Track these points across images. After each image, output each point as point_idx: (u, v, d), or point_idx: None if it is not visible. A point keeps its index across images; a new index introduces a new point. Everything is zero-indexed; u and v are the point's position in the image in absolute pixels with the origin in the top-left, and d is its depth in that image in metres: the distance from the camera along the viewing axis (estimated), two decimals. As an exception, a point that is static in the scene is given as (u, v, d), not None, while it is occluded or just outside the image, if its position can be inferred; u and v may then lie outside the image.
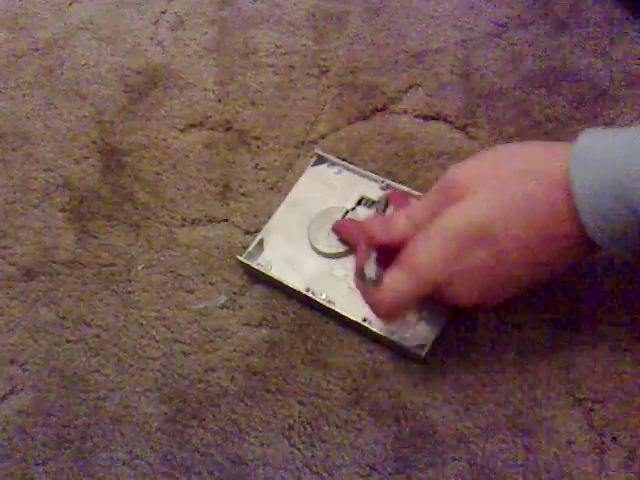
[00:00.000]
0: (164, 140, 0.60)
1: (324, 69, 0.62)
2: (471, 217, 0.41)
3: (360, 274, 0.45)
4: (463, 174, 0.43)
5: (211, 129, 0.60)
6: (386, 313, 0.45)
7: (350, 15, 0.65)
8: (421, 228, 0.44)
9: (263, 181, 0.57)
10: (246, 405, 0.49)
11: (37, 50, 0.67)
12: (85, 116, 0.62)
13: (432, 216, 0.43)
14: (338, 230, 0.52)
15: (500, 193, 0.41)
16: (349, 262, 0.51)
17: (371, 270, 0.45)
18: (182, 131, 0.60)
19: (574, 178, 0.39)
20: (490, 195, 0.41)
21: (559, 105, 0.57)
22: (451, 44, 0.62)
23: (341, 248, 0.52)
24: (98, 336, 0.52)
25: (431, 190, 0.45)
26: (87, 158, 0.60)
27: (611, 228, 0.39)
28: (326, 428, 0.47)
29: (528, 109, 0.57)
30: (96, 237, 0.56)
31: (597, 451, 0.44)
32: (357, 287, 0.47)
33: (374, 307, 0.45)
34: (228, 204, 0.56)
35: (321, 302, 0.50)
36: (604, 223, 0.39)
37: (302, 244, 0.52)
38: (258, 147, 0.59)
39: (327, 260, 0.52)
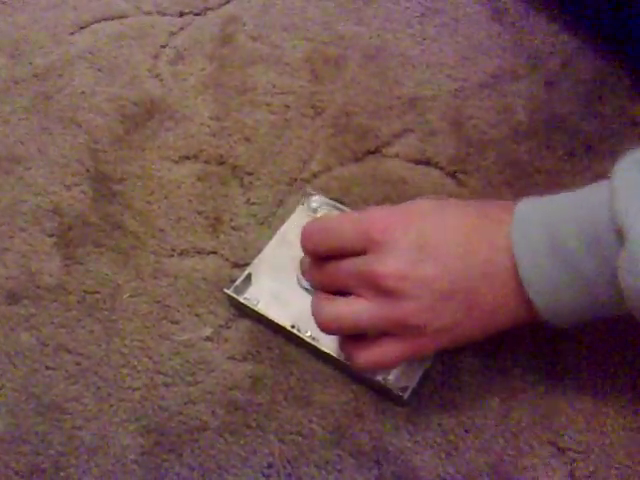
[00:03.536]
0: (157, 171, 0.60)
1: (319, 110, 0.63)
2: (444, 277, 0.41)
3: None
4: (383, 224, 0.42)
5: (205, 162, 0.61)
6: (366, 368, 0.45)
7: (347, 60, 0.66)
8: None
9: (254, 216, 0.57)
10: (226, 441, 0.48)
11: (35, 76, 0.68)
12: (79, 143, 0.63)
13: (342, 244, 0.44)
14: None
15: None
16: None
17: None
18: (176, 163, 0.61)
19: (515, 246, 0.39)
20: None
21: (549, 157, 0.58)
22: (444, 92, 0.63)
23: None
24: (78, 364, 0.51)
25: (352, 220, 0.44)
26: (78, 185, 0.60)
27: (550, 285, 0.39)
28: (305, 468, 0.46)
29: (518, 160, 0.58)
30: (82, 264, 0.56)
31: (578, 502, 0.44)
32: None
33: (354, 359, 0.44)
34: (218, 237, 0.56)
35: (306, 339, 0.50)
36: (543, 281, 0.39)
37: (290, 280, 0.53)
38: (250, 182, 0.59)
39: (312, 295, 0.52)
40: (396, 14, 0.68)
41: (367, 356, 0.44)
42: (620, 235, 0.36)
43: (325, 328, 0.45)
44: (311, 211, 0.55)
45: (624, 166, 0.38)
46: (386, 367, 0.47)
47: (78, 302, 0.54)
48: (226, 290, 0.52)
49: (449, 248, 0.41)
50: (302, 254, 0.52)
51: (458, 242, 0.41)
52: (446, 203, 0.45)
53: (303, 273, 0.50)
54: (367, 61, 0.66)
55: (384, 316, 0.42)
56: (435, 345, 0.43)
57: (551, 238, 0.39)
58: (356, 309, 0.43)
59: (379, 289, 0.41)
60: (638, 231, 0.35)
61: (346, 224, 0.44)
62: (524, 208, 0.41)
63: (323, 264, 0.45)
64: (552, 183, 0.57)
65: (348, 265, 0.43)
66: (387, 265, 0.41)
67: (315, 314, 0.45)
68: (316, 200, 0.56)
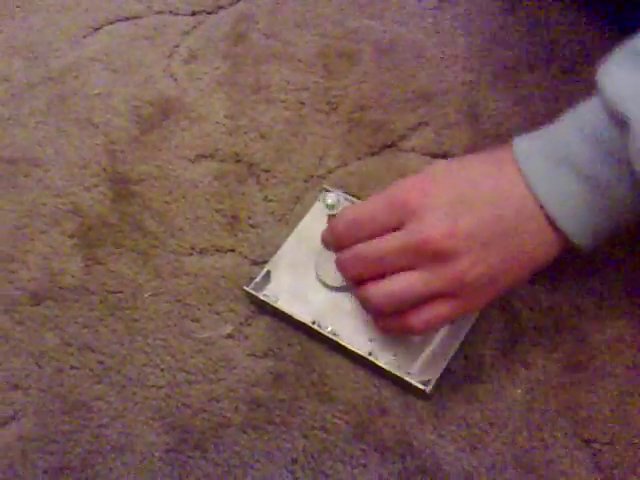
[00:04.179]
0: (174, 170, 0.61)
1: (334, 106, 0.63)
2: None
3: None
4: (416, 191, 0.43)
5: (221, 161, 0.61)
6: (423, 331, 0.44)
7: (360, 54, 0.66)
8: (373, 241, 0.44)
9: (271, 213, 0.57)
10: (249, 437, 0.48)
11: (51, 79, 0.68)
12: (97, 145, 0.63)
13: (381, 227, 0.43)
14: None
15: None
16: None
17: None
18: (192, 162, 0.61)
19: (529, 179, 0.41)
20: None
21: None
22: (459, 85, 0.63)
23: (346, 282, 0.52)
24: (102, 363, 0.52)
25: (379, 200, 0.44)
26: (97, 186, 0.60)
27: (568, 202, 0.41)
28: (330, 463, 0.47)
29: (535, 150, 0.58)
30: (103, 264, 0.56)
31: (604, 493, 0.44)
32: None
33: (411, 324, 0.44)
34: (236, 235, 0.57)
35: (327, 335, 0.50)
36: (564, 201, 0.41)
37: (309, 276, 0.53)
38: (267, 179, 0.59)
39: (334, 293, 0.52)
40: (409, 7, 0.68)
41: (423, 319, 0.43)
42: (621, 124, 0.38)
43: (381, 310, 0.44)
44: (328, 208, 0.55)
45: (614, 62, 0.40)
46: (441, 326, 0.48)
47: (100, 302, 0.54)
48: (245, 287, 0.52)
49: (480, 199, 0.42)
50: (321, 249, 0.52)
51: (485, 192, 0.42)
52: (460, 161, 0.45)
53: (341, 271, 0.47)
54: (380, 55, 0.65)
55: (441, 279, 0.42)
56: (487, 298, 0.44)
57: (557, 158, 0.41)
58: (411, 281, 0.42)
59: (432, 254, 0.41)
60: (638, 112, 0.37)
61: (377, 205, 0.44)
62: (521, 143, 0.43)
63: (360, 253, 0.44)
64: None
65: (391, 242, 0.43)
66: (433, 228, 0.41)
67: (368, 299, 0.45)
68: (332, 197, 0.55)
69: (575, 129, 0.41)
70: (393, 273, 0.43)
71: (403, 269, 0.43)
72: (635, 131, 0.37)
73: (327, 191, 0.56)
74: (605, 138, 0.39)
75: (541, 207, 0.41)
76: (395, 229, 0.43)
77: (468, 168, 0.44)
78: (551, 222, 0.41)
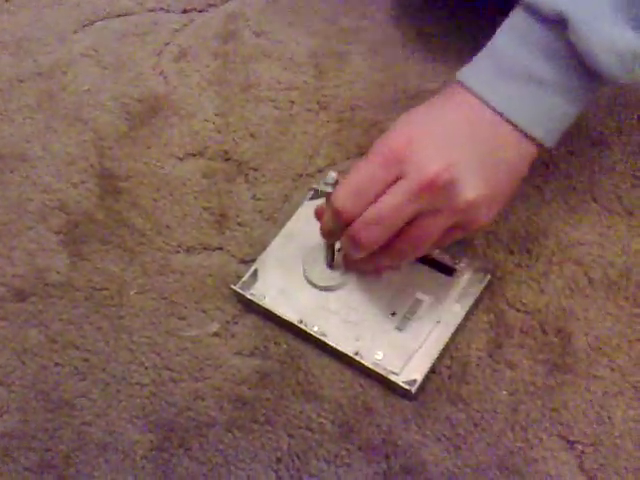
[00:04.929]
0: (162, 168, 0.61)
1: (324, 105, 0.63)
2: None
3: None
4: (400, 141, 0.44)
5: (210, 159, 0.61)
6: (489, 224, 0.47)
7: (351, 54, 0.66)
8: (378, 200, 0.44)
9: (260, 212, 0.57)
10: (234, 436, 0.48)
11: (39, 75, 0.68)
12: (85, 141, 0.63)
13: (382, 185, 0.43)
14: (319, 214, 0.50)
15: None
16: (343, 295, 0.51)
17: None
18: (181, 159, 0.61)
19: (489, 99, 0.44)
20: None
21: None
22: (449, 84, 0.63)
23: (335, 281, 0.52)
24: (87, 360, 0.51)
25: (371, 162, 0.44)
26: (85, 182, 0.60)
27: (528, 109, 0.44)
28: (315, 462, 0.47)
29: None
30: (89, 261, 0.56)
31: (588, 494, 0.44)
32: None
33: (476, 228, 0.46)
34: (224, 233, 0.56)
35: (313, 334, 0.50)
36: (525, 109, 0.44)
37: (296, 276, 0.52)
38: (256, 178, 0.59)
39: (321, 293, 0.52)
40: (399, 8, 0.68)
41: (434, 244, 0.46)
42: (557, 24, 0.42)
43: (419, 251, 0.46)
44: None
45: None
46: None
47: (85, 299, 0.54)
48: (233, 286, 0.52)
49: (457, 131, 0.44)
50: (309, 248, 0.52)
51: (459, 125, 0.45)
52: (423, 107, 0.47)
53: (359, 242, 0.45)
54: (371, 55, 0.65)
55: (454, 211, 0.44)
56: (492, 214, 0.46)
57: (505, 71, 0.44)
58: (435, 231, 0.44)
59: (439, 188, 0.42)
60: (572, 3, 0.41)
61: (371, 167, 0.44)
62: (467, 72, 0.46)
63: (375, 216, 0.44)
64: (566, 177, 0.56)
65: (399, 193, 0.43)
66: (432, 165, 0.42)
67: (403, 254, 0.46)
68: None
69: (511, 40, 0.44)
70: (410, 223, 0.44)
71: (420, 214, 0.44)
72: (574, 25, 0.41)
73: (319, 192, 0.55)
74: (541, 40, 0.43)
75: (507, 120, 0.44)
76: (393, 182, 0.43)
77: (433, 110, 0.46)
78: (520, 130, 0.44)
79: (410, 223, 0.44)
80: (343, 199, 0.44)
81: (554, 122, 0.45)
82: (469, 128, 0.44)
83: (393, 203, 0.43)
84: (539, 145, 0.45)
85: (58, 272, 0.55)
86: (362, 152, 0.60)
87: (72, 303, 0.54)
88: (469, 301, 0.50)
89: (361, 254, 0.46)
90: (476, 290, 0.50)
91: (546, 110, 0.44)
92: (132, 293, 0.54)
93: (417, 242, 0.45)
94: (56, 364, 0.51)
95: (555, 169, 0.57)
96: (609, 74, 0.42)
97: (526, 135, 0.45)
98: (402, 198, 0.43)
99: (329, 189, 0.47)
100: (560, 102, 0.44)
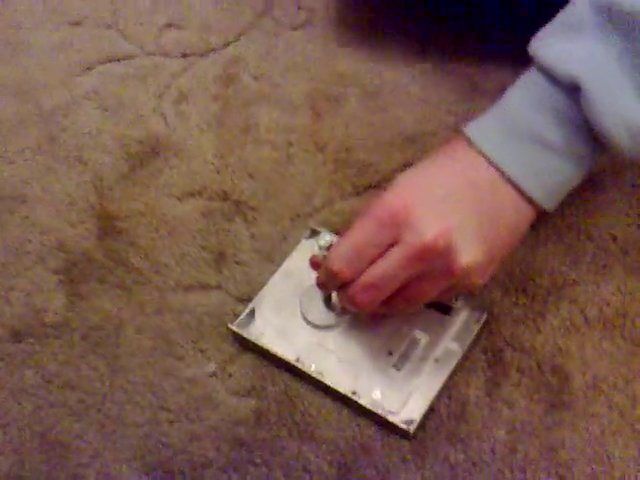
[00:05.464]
0: (161, 208, 0.61)
1: (321, 146, 0.64)
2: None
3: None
4: (399, 204, 0.43)
5: (209, 199, 0.61)
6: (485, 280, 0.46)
7: (347, 97, 0.67)
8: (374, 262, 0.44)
9: (258, 251, 0.58)
10: (230, 478, 0.47)
11: (41, 117, 0.69)
12: (85, 181, 0.63)
13: (379, 249, 0.43)
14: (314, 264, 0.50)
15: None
16: (340, 334, 0.51)
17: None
18: (180, 199, 0.62)
19: (490, 153, 0.44)
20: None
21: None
22: (444, 128, 0.64)
23: (332, 320, 0.52)
24: (82, 401, 0.51)
25: (367, 224, 0.44)
26: (84, 222, 0.61)
27: (531, 171, 0.44)
28: (312, 504, 0.46)
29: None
30: (87, 300, 0.56)
31: (588, 536, 0.43)
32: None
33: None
34: (222, 272, 0.57)
35: (310, 373, 0.49)
36: (527, 171, 0.44)
37: (294, 315, 0.53)
38: (254, 218, 0.60)
39: (318, 331, 0.52)
40: (394, 52, 0.70)
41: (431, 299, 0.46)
42: (567, 88, 0.42)
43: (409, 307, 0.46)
44: (321, 249, 0.54)
45: (549, 35, 0.44)
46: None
47: (82, 339, 0.54)
48: (230, 325, 0.52)
49: (456, 193, 0.44)
50: (306, 288, 0.53)
51: (458, 186, 0.44)
52: (422, 166, 0.46)
53: (355, 304, 0.46)
54: (367, 98, 0.67)
55: (450, 275, 0.43)
56: (489, 274, 0.45)
57: (512, 131, 0.44)
58: (431, 292, 0.44)
59: (435, 254, 0.42)
60: (587, 73, 0.40)
61: (367, 229, 0.44)
62: (474, 129, 0.46)
63: (370, 280, 0.44)
64: (560, 216, 0.57)
65: (395, 258, 0.43)
66: (428, 230, 0.42)
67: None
68: (327, 237, 0.52)
69: (522, 101, 0.44)
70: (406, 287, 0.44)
71: (417, 278, 0.44)
72: (586, 94, 0.40)
73: (316, 231, 0.56)
74: (553, 103, 0.43)
75: (508, 181, 0.44)
76: (390, 245, 0.43)
77: (433, 169, 0.46)
78: (521, 192, 0.44)
79: (406, 284, 0.44)
80: (339, 261, 0.45)
81: (556, 186, 0.45)
82: (469, 188, 0.44)
83: (389, 268, 0.43)
84: (538, 208, 0.45)
85: (55, 312, 0.55)
86: (358, 192, 0.61)
87: (69, 343, 0.54)
88: (466, 340, 0.50)
89: (358, 311, 0.47)
90: (473, 329, 0.51)
91: (550, 173, 0.44)
92: (129, 333, 0.54)
93: (413, 301, 0.45)
94: (51, 405, 0.51)
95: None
96: (617, 147, 0.41)
97: (526, 197, 0.44)
98: (398, 263, 0.43)
99: (324, 252, 0.49)
100: (565, 167, 0.44)
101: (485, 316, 0.51)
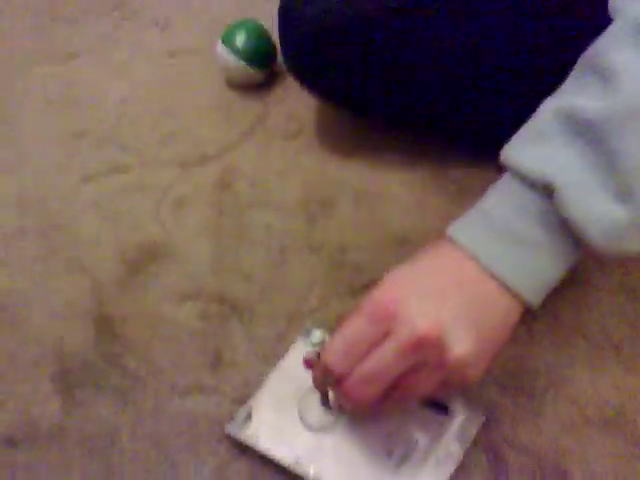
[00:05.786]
0: (158, 311, 0.62)
1: (315, 248, 0.66)
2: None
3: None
4: (388, 299, 0.45)
5: (205, 302, 0.62)
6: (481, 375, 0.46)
7: (339, 201, 0.70)
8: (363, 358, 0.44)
9: (254, 353, 0.58)
10: None
11: (41, 227, 0.71)
12: (83, 287, 0.64)
13: (371, 343, 0.44)
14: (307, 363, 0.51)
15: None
16: (338, 435, 0.51)
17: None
18: (177, 303, 0.62)
19: (479, 254, 0.45)
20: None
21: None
22: (434, 230, 0.66)
23: (330, 422, 0.51)
24: (75, 511, 0.50)
25: (359, 320, 0.45)
26: (81, 327, 0.61)
27: (516, 269, 0.45)
28: None
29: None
30: (82, 406, 0.55)
31: None
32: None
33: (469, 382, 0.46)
34: (218, 374, 0.57)
35: (309, 477, 0.49)
36: (513, 270, 0.45)
37: (291, 416, 0.52)
38: (250, 319, 0.60)
39: (316, 434, 0.51)
40: (382, 159, 0.73)
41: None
42: (543, 190, 0.43)
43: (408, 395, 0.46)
44: (314, 346, 0.55)
45: (520, 141, 0.45)
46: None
47: (78, 445, 0.53)
48: (226, 428, 0.51)
49: (443, 290, 0.45)
50: (304, 389, 0.52)
51: (445, 283, 0.45)
52: (410, 265, 0.48)
53: (351, 398, 0.46)
54: (358, 202, 0.69)
55: (443, 368, 0.44)
56: (482, 368, 0.45)
57: (494, 231, 0.45)
58: (426, 385, 0.45)
59: (428, 346, 0.43)
60: (559, 177, 0.42)
61: (360, 325, 0.45)
62: (458, 230, 0.47)
63: (366, 374, 0.44)
64: (553, 315, 0.58)
65: (389, 351, 0.44)
66: (420, 323, 0.43)
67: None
68: (317, 334, 0.56)
69: (500, 204, 0.46)
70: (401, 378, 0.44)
71: (410, 370, 0.44)
72: (560, 195, 0.42)
73: (311, 330, 0.56)
74: (529, 206, 0.44)
75: (492, 277, 0.45)
76: (383, 340, 0.44)
77: (419, 267, 0.47)
78: (507, 288, 0.45)
79: (401, 377, 0.44)
80: (334, 357, 0.46)
81: (539, 282, 0.45)
82: (454, 284, 0.45)
83: (382, 361, 0.44)
84: (524, 302, 0.46)
85: (51, 418, 0.55)
86: (354, 292, 0.62)
87: (63, 450, 0.53)
88: (466, 441, 0.50)
89: (354, 407, 0.47)
90: (473, 429, 0.50)
91: (533, 270, 0.45)
92: (124, 439, 0.53)
93: (408, 394, 0.46)
94: (43, 515, 0.50)
95: (542, 308, 0.59)
96: (593, 246, 0.42)
97: (511, 292, 0.45)
98: (391, 356, 0.44)
99: (316, 348, 0.49)
100: (547, 263, 0.45)
101: (484, 416, 0.51)
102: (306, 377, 0.53)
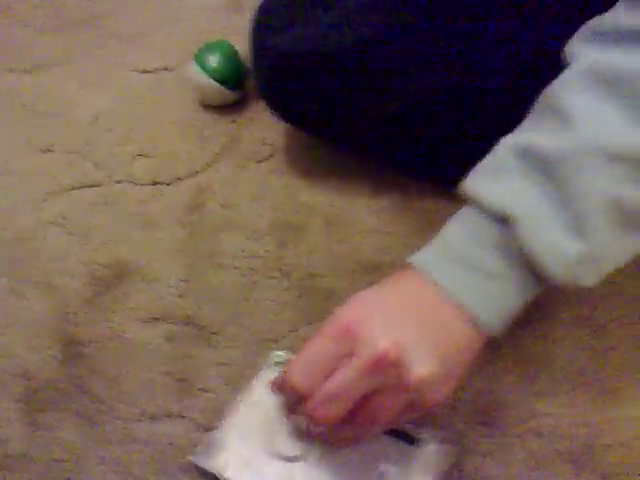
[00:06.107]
0: (125, 332, 0.62)
1: (285, 273, 0.66)
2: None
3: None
4: (351, 319, 0.46)
5: (173, 323, 0.62)
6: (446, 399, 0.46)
7: (309, 226, 0.70)
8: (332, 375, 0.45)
9: (222, 377, 0.58)
10: None
11: (8, 242, 0.69)
12: (50, 306, 0.64)
13: (334, 362, 0.45)
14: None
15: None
16: (308, 465, 0.51)
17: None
18: (145, 324, 0.62)
19: (438, 278, 0.46)
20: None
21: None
22: (402, 258, 0.67)
23: (300, 451, 0.52)
24: (39, 539, 0.49)
25: (322, 338, 0.46)
26: (47, 348, 0.60)
27: (478, 299, 0.46)
28: None
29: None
30: (49, 430, 0.55)
31: None
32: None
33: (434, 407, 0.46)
34: (186, 399, 0.57)
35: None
36: (476, 300, 0.46)
37: (260, 445, 0.52)
38: (219, 342, 0.61)
39: (285, 463, 0.51)
40: (351, 186, 0.74)
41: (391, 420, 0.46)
42: (501, 222, 0.44)
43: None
44: (277, 366, 0.55)
45: (480, 176, 0.46)
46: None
47: (44, 470, 0.52)
48: (192, 457, 0.51)
49: (405, 313, 0.46)
50: (273, 417, 0.53)
51: (408, 304, 0.47)
52: (374, 290, 0.49)
53: (316, 419, 0.46)
54: (328, 228, 0.70)
55: (405, 390, 0.44)
56: (447, 391, 0.46)
57: (454, 261, 0.46)
58: (389, 408, 0.45)
59: (389, 365, 0.43)
60: (516, 210, 0.43)
61: (323, 342, 0.46)
62: (421, 258, 0.48)
63: (329, 393, 0.45)
64: (522, 347, 0.60)
65: (352, 370, 0.44)
66: (381, 342, 0.44)
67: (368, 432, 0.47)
68: (280, 355, 0.56)
69: (460, 235, 0.47)
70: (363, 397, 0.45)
71: (374, 391, 0.45)
72: (516, 227, 0.43)
73: (274, 350, 0.57)
74: (488, 237, 0.45)
75: (453, 304, 0.46)
76: (345, 359, 0.45)
77: (382, 292, 0.48)
78: (466, 314, 0.46)
79: (365, 400, 0.45)
80: (297, 376, 0.46)
81: (500, 309, 0.46)
82: (418, 309, 0.46)
83: (345, 381, 0.45)
84: (483, 332, 0.47)
85: (16, 443, 0.54)
86: (323, 318, 0.62)
87: (29, 476, 0.52)
88: (438, 472, 0.51)
89: (320, 429, 0.48)
90: (442, 461, 0.51)
91: (493, 298, 0.46)
92: (91, 464, 0.53)
93: (373, 418, 0.46)
94: None
95: (508, 341, 0.60)
96: (552, 277, 0.43)
97: (472, 319, 0.46)
98: (353, 375, 0.44)
99: (279, 368, 0.50)
100: (508, 292, 0.46)
101: (454, 448, 0.52)
102: (275, 404, 0.53)
